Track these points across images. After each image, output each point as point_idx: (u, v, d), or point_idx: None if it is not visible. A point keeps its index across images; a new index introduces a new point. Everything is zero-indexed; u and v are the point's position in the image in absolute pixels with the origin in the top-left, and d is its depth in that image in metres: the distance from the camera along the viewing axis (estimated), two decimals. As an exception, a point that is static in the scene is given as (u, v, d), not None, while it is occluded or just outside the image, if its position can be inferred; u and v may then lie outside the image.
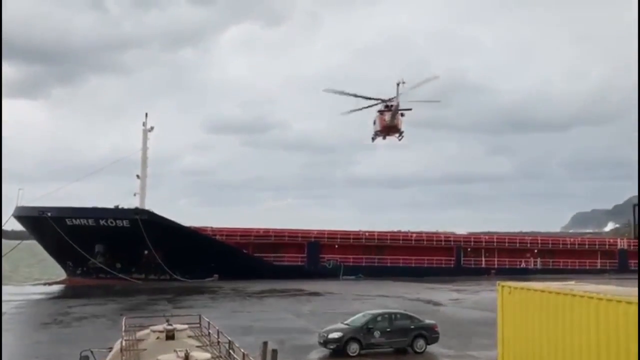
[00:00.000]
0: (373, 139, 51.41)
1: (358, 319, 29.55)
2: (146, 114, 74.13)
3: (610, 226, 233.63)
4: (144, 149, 73.45)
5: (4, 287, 65.92)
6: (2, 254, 63.92)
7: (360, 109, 48.61)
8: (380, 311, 31.03)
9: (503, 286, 20.15)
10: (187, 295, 55.12)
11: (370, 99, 46.67)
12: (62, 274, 73.55)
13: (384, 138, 51.33)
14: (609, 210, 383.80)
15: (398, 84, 46.03)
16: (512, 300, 19.68)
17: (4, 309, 44.96)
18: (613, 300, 17.49)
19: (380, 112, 48.20)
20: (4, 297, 53.86)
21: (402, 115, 48.76)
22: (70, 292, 62.06)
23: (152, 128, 74.17)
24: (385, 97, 47.21)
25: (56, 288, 65.84)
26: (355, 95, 46.49)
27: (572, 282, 20.49)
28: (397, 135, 49.55)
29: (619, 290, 19.33)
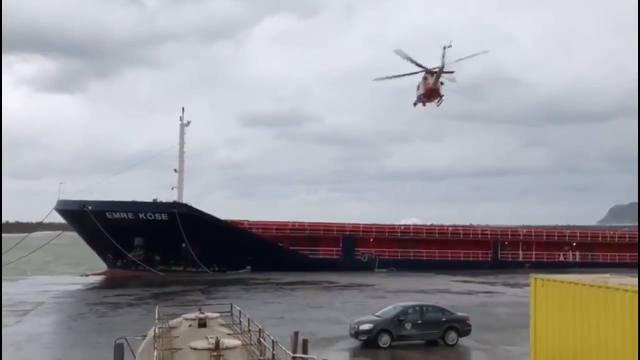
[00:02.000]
0: (415, 104, 52.87)
1: (389, 310, 29.59)
2: (183, 109, 75.21)
3: None
4: (181, 143, 74.43)
5: (43, 277, 68.00)
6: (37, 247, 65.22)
7: (404, 75, 50.24)
8: (411, 303, 31.07)
9: (536, 279, 19.95)
10: (220, 286, 56.01)
11: (419, 66, 49.10)
12: (103, 266, 75.13)
13: (424, 104, 52.37)
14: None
15: (444, 48, 46.89)
16: (545, 293, 19.47)
17: (44, 299, 46.34)
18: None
19: (425, 77, 49.66)
20: (43, 287, 55.59)
21: (441, 83, 49.67)
22: (108, 283, 63.66)
23: (189, 122, 75.12)
24: (430, 67, 49.12)
25: (95, 279, 67.27)
26: (411, 60, 48.27)
27: (607, 275, 20.18)
28: (437, 100, 50.88)
29: (655, 283, 18.97)
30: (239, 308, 15.63)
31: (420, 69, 49.45)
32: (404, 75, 50.29)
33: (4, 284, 55.29)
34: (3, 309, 39.21)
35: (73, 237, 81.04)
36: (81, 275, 69.56)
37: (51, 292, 51.75)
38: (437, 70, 48.28)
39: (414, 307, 29.73)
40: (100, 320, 37.66)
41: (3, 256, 62.48)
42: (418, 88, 50.94)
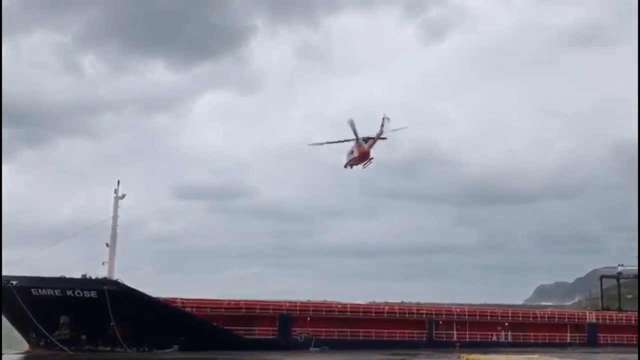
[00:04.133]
0: (345, 166, 57.97)
1: None
2: (118, 182, 73.76)
3: (573, 299, 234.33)
4: (115, 216, 72.58)
5: None
6: None
7: (338, 142, 56.03)
8: None
9: (467, 359, 20.24)
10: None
11: (356, 135, 55.28)
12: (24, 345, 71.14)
13: (352, 167, 57.94)
14: (571, 283, 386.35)
15: (384, 118, 53.64)
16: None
17: None
18: (575, 374, 17.73)
19: (359, 144, 55.28)
20: None
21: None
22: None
23: (123, 196, 73.70)
24: (361, 136, 55.07)
25: (11, 358, 63.09)
26: (354, 130, 55.14)
27: (536, 356, 20.67)
28: (366, 162, 56.21)
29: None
30: None
31: (354, 137, 55.01)
32: (338, 142, 55.30)
33: None
34: None
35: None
36: None
37: None
38: (372, 137, 53.60)
39: None
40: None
41: None
42: (351, 152, 56.07)
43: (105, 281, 68.25)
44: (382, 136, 54.12)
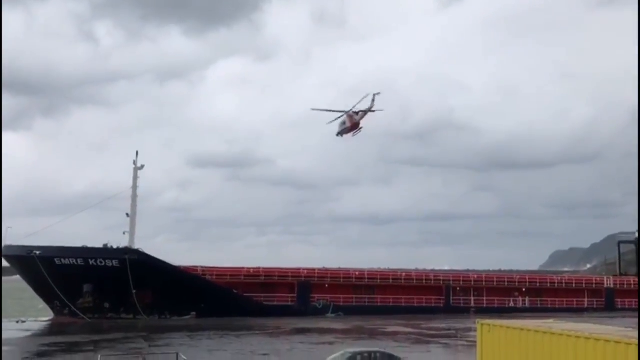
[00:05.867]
0: (338, 134, 64.07)
1: (337, 358, 29.52)
2: (137, 152, 74.68)
3: (588, 265, 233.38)
4: (134, 187, 73.59)
5: None
6: None
7: (337, 111, 62.57)
8: (359, 350, 31.00)
9: (482, 324, 20.49)
10: (164, 333, 54.85)
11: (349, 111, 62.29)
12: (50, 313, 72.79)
13: (342, 135, 64.03)
14: (586, 249, 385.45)
15: (374, 95, 60.49)
16: (491, 339, 20.03)
17: None
18: (591, 338, 17.91)
19: (350, 115, 61.61)
20: None
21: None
22: (47, 330, 61.70)
23: (142, 166, 74.58)
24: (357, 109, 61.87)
25: (32, 325, 64.26)
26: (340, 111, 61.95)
27: (551, 320, 20.89)
28: (357, 130, 62.71)
29: (597, 328, 19.77)
30: (185, 358, 15.52)
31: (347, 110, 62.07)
32: (337, 111, 62.28)
33: None
34: None
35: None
36: (17, 322, 66.86)
37: None
38: (363, 110, 60.72)
39: (362, 353, 29.67)
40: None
41: None
42: (344, 123, 62.70)
43: (126, 250, 69.39)
44: (371, 109, 60.89)
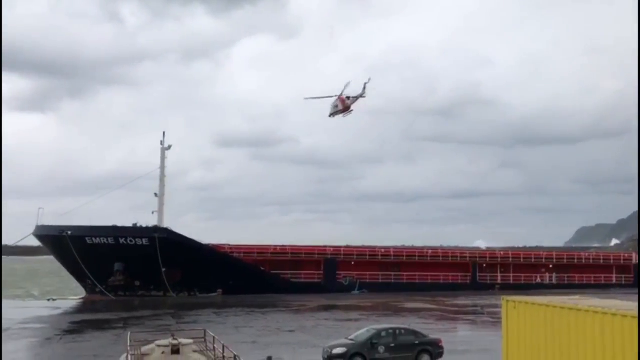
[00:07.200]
0: (330, 115, 66.52)
1: (362, 334, 29.89)
2: (164, 133, 75.62)
3: (614, 242, 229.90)
4: (162, 167, 74.72)
5: (9, 302, 66.68)
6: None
7: (329, 97, 65.55)
8: (384, 326, 31.32)
9: (508, 301, 20.64)
10: (191, 310, 55.94)
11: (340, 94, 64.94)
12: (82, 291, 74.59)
13: (334, 116, 66.47)
14: (613, 225, 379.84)
15: (365, 83, 63.32)
16: (516, 315, 20.18)
17: (9, 324, 45.59)
18: (617, 314, 17.92)
19: (342, 99, 64.43)
20: (9, 312, 54.62)
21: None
22: (77, 308, 63.37)
23: (170, 146, 75.59)
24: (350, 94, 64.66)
25: (63, 303, 65.99)
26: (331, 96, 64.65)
27: (577, 297, 20.95)
28: (347, 113, 65.43)
29: (624, 305, 19.79)
30: (212, 334, 15.91)
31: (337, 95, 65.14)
32: (329, 97, 65.06)
33: None
34: None
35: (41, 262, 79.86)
36: (48, 300, 68.24)
37: (17, 317, 50.10)
38: (355, 96, 63.67)
39: (387, 330, 29.98)
40: (68, 346, 37.27)
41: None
42: (336, 106, 65.52)
43: (156, 229, 70.59)
44: (362, 95, 63.93)
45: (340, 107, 65.92)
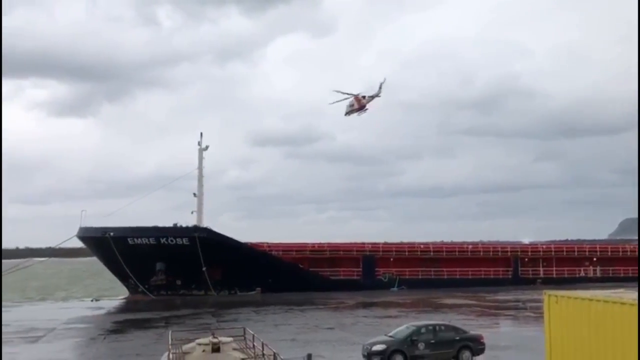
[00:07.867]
0: (346, 114, 68.92)
1: (402, 331, 29.57)
2: (201, 134, 77.00)
3: None
4: (200, 167, 75.75)
5: (52, 303, 68.52)
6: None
7: (347, 97, 67.79)
8: (424, 323, 31.04)
9: (550, 295, 20.23)
10: (230, 309, 56.36)
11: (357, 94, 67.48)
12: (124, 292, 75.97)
13: (349, 115, 69.02)
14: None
15: (381, 83, 65.65)
16: (559, 310, 19.76)
17: (54, 324, 46.92)
18: (663, 308, 17.44)
19: (358, 98, 66.61)
20: (54, 312, 56.21)
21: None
22: (119, 308, 64.57)
23: (207, 147, 76.61)
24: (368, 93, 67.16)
25: (106, 304, 67.26)
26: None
27: (622, 290, 20.42)
28: (362, 111, 67.82)
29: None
30: (252, 332, 16.01)
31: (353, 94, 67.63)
32: (348, 94, 67.35)
33: (15, 310, 56.30)
34: (13, 335, 40.06)
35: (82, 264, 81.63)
36: (91, 300, 69.60)
37: (62, 317, 51.68)
38: (371, 95, 66.24)
39: (427, 326, 29.63)
40: (112, 345, 38.06)
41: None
42: (352, 105, 67.61)
43: (196, 228, 71.51)
44: (378, 95, 66.01)
45: (356, 106, 67.97)
